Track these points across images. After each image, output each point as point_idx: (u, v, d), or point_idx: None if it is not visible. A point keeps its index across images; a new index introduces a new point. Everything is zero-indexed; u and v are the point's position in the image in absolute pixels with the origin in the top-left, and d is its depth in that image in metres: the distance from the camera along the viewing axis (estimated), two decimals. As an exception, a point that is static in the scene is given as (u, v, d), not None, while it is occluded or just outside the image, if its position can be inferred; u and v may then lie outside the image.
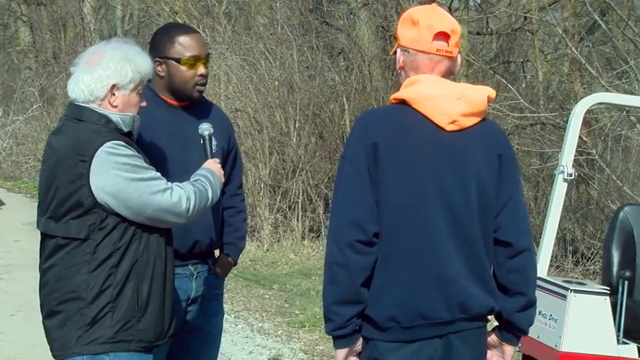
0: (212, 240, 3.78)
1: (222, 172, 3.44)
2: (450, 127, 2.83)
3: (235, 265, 3.99)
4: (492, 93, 2.94)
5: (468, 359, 2.89)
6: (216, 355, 3.97)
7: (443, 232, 2.80)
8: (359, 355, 2.89)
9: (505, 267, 2.90)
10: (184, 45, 3.56)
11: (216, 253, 3.94)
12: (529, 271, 2.96)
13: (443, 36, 2.88)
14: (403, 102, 2.86)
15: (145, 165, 3.06)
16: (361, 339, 2.87)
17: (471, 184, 2.84)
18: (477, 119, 2.88)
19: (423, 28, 2.88)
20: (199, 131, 3.54)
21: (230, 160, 3.89)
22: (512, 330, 2.97)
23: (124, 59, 3.08)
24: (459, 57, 2.98)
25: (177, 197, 3.05)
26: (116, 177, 2.95)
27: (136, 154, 3.05)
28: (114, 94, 3.06)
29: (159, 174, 3.09)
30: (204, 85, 3.65)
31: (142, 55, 3.16)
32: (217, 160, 3.46)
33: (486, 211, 2.86)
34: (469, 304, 2.83)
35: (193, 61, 3.57)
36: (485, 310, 2.88)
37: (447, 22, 2.92)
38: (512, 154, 3.00)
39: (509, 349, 3.02)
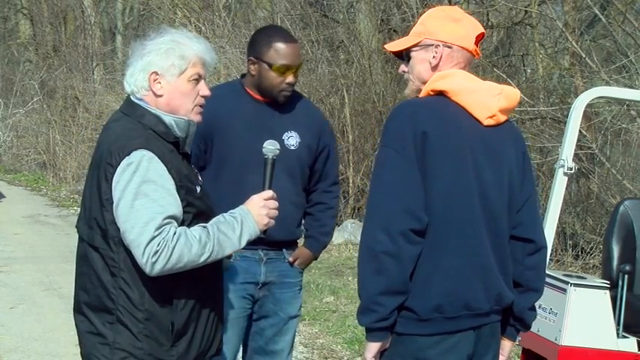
0: (285, 232, 3.79)
1: (274, 208, 2.96)
2: (487, 122, 2.83)
3: (316, 258, 4.08)
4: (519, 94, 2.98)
5: (493, 352, 2.90)
6: (292, 341, 4.05)
7: (481, 222, 2.79)
8: (382, 352, 2.79)
9: (523, 264, 2.90)
10: (280, 52, 3.68)
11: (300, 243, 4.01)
12: (543, 268, 2.99)
13: (480, 38, 2.92)
14: (440, 94, 2.83)
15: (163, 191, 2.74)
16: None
17: (504, 178, 2.85)
18: (507, 116, 2.90)
19: (469, 27, 2.90)
20: (263, 150, 3.10)
21: (322, 158, 3.95)
22: (518, 325, 2.98)
23: (168, 44, 2.86)
24: None
25: (153, 245, 2.66)
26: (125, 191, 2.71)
27: (163, 174, 2.76)
28: (159, 83, 2.85)
29: (167, 210, 2.72)
30: (290, 91, 3.76)
31: (192, 40, 2.91)
32: (270, 193, 2.98)
33: (511, 207, 2.87)
34: (503, 296, 2.84)
35: (284, 70, 3.68)
36: (510, 303, 2.89)
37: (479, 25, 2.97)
38: (528, 152, 3.02)
39: (509, 344, 3.02)
